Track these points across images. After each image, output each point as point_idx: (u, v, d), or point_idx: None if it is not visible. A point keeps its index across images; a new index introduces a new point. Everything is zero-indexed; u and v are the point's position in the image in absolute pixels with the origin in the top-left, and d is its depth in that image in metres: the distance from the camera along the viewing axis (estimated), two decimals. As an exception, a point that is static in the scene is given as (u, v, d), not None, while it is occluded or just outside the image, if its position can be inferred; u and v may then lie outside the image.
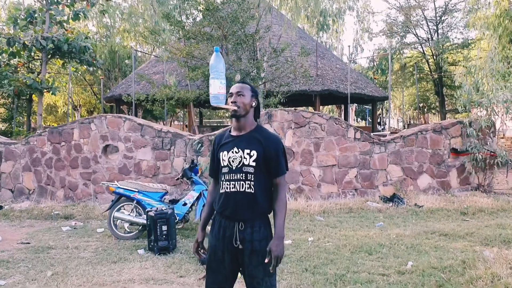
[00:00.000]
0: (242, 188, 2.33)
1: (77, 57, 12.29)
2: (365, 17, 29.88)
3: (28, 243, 5.76)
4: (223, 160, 2.41)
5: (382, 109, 29.96)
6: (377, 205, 7.65)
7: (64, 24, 12.48)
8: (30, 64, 15.37)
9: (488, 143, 8.40)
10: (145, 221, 5.62)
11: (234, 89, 2.43)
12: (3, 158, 8.66)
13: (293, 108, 8.49)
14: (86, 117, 9.64)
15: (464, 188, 8.48)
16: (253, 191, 2.33)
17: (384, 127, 25.97)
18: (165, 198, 6.29)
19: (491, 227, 6.10)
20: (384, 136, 10.03)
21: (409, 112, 33.90)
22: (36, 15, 12.08)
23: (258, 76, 11.78)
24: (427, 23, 24.34)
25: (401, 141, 8.36)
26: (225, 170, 2.40)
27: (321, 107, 21.65)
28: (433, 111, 29.55)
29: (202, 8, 11.55)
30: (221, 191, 2.42)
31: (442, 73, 23.35)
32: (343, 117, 22.23)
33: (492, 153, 8.31)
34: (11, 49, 11.48)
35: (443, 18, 24.04)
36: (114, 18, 22.44)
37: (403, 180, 8.31)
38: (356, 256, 4.87)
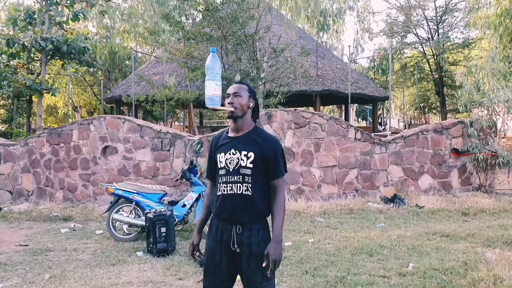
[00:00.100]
0: (239, 191, 2.29)
1: (77, 58, 12.27)
2: (366, 17, 29.86)
3: (27, 245, 5.72)
4: (220, 162, 2.37)
5: (382, 109, 29.90)
6: (378, 206, 7.60)
7: (64, 25, 12.46)
8: (30, 65, 15.35)
9: (490, 143, 8.35)
10: (144, 223, 5.59)
11: (231, 89, 2.39)
12: (2, 160, 8.63)
13: (293, 109, 8.45)
14: (85, 118, 9.60)
15: (465, 188, 8.43)
16: (250, 193, 2.29)
17: (385, 127, 25.92)
18: (164, 200, 6.24)
19: (493, 228, 6.05)
20: (385, 136, 9.99)
21: (410, 112, 33.83)
22: (35, 16, 12.06)
23: (258, 77, 11.74)
24: (428, 23, 24.30)
25: (402, 141, 8.31)
26: (222, 172, 2.36)
27: (321, 107, 21.60)
28: (434, 111, 29.50)
29: (202, 8, 11.51)
30: (218, 193, 2.38)
31: (443, 73, 23.31)
32: (343, 117, 22.19)
33: (494, 153, 8.26)
34: (10, 50, 11.46)
35: (443, 17, 24.01)
36: (114, 19, 22.42)
37: (404, 180, 8.27)
38: (356, 258, 4.83)
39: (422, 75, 25.40)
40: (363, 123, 38.59)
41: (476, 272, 4.09)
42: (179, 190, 8.12)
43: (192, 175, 6.15)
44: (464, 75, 10.31)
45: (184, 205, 6.00)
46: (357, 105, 28.38)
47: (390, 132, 15.38)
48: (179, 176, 6.32)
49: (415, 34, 25.21)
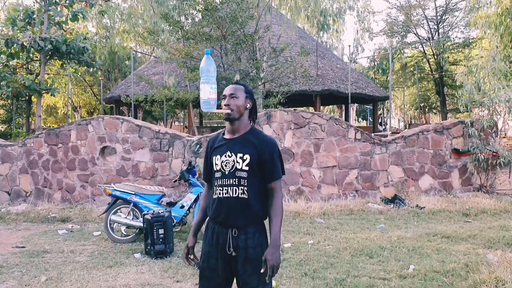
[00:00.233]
0: (235, 194, 2.24)
1: (76, 58, 12.23)
2: (366, 17, 29.80)
3: (23, 247, 5.67)
4: (216, 164, 2.32)
5: (383, 109, 29.86)
6: (378, 206, 7.55)
7: (63, 25, 12.41)
8: (29, 65, 15.31)
9: (490, 143, 8.30)
10: (142, 224, 5.53)
11: (227, 91, 2.33)
12: (0, 160, 8.58)
13: (292, 109, 8.40)
14: (84, 118, 9.56)
15: (466, 189, 8.38)
16: (246, 197, 2.24)
17: (385, 127, 25.86)
18: (162, 201, 6.19)
19: (494, 229, 5.99)
20: (385, 136, 9.94)
21: (410, 112, 33.78)
22: (34, 16, 12.01)
23: (258, 76, 11.69)
24: (428, 23, 24.25)
25: (402, 141, 8.26)
26: (218, 174, 2.30)
27: (321, 107, 21.56)
28: (434, 110, 29.45)
29: (201, 8, 11.47)
30: (214, 196, 2.33)
31: (443, 73, 23.26)
32: (344, 117, 22.15)
33: (494, 153, 8.21)
34: (9, 50, 11.41)
35: (444, 17, 23.95)
36: (113, 19, 22.36)
37: (405, 181, 8.21)
38: (356, 259, 4.78)
39: (422, 74, 25.35)
40: (364, 123, 38.55)
41: (477, 275, 4.04)
42: (177, 191, 8.08)
43: (190, 176, 6.10)
44: (465, 75, 10.24)
45: (182, 206, 5.95)
46: (357, 105, 28.32)
47: (390, 132, 15.33)
48: (178, 177, 6.28)
49: (415, 34, 25.16)
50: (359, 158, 8.11)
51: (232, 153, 2.27)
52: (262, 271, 2.16)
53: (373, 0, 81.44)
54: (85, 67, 16.40)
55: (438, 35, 23.88)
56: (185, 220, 6.05)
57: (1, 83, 12.40)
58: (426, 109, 29.95)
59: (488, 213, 7.07)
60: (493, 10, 13.06)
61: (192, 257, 2.44)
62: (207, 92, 2.29)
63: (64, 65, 14.20)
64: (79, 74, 22.00)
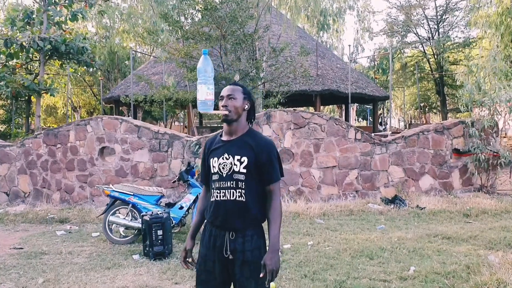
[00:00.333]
0: (233, 197, 2.20)
1: (75, 58, 12.18)
2: (366, 17, 29.76)
3: (21, 248, 5.63)
4: (213, 166, 2.28)
5: (383, 109, 29.82)
6: (378, 207, 7.51)
7: (62, 25, 12.37)
8: (28, 65, 15.27)
9: (491, 143, 8.26)
10: (140, 225, 5.49)
11: (225, 91, 2.29)
12: (-1, 161, 8.55)
13: (292, 109, 8.36)
14: (83, 118, 9.52)
15: (467, 189, 8.35)
16: (244, 200, 2.20)
17: (385, 127, 25.82)
18: (161, 202, 6.16)
19: (495, 229, 5.95)
20: (386, 136, 9.90)
21: (410, 111, 33.75)
22: (33, 16, 11.97)
23: (258, 76, 11.65)
24: (428, 22, 24.22)
25: (403, 141, 8.22)
26: (215, 177, 2.26)
27: (321, 107, 21.52)
28: (434, 110, 29.42)
29: (201, 7, 11.42)
30: (211, 199, 2.29)
31: (443, 72, 23.22)
32: (344, 117, 22.10)
33: (495, 153, 8.17)
34: (8, 50, 11.37)
35: (444, 17, 23.91)
36: (113, 19, 22.32)
37: (405, 181, 8.17)
38: (356, 261, 4.74)
39: (422, 74, 25.32)
40: (364, 123, 38.52)
41: (479, 276, 4.00)
42: (177, 191, 8.04)
43: (189, 176, 6.06)
44: (465, 75, 10.20)
45: (181, 207, 5.91)
46: (357, 104, 28.27)
47: (390, 132, 15.30)
48: (177, 177, 6.25)
49: (415, 34, 25.13)
50: (359, 158, 8.07)
51: (230, 156, 2.23)
52: (261, 275, 2.12)
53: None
54: (85, 67, 16.36)
55: (438, 34, 23.84)
56: (184, 221, 6.01)
57: (0, 83, 12.36)
58: (426, 109, 29.92)
59: (489, 214, 7.02)
60: (493, 9, 13.02)
61: (190, 260, 2.41)
62: (204, 92, 2.24)
63: (64, 65, 14.17)
64: (79, 74, 21.96)
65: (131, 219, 5.83)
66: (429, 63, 24.90)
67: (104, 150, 8.50)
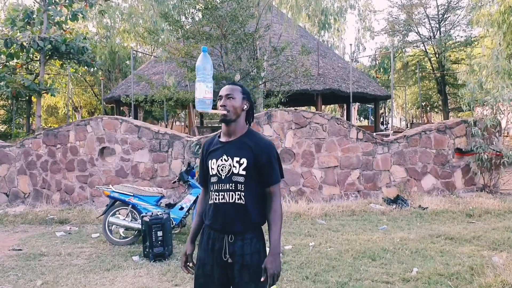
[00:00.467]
0: (232, 199, 2.14)
1: (76, 58, 12.16)
2: (367, 16, 29.61)
3: (20, 249, 5.59)
4: (212, 168, 2.22)
5: (384, 108, 29.74)
6: (381, 207, 7.45)
7: (63, 24, 12.34)
8: (29, 65, 15.24)
9: (494, 142, 8.19)
10: (140, 226, 5.44)
11: (223, 91, 2.23)
12: (-1, 161, 8.51)
13: (293, 108, 8.30)
14: (83, 118, 9.48)
15: (469, 189, 8.28)
16: (243, 202, 2.14)
17: (387, 126, 25.76)
18: (161, 202, 6.11)
19: (498, 230, 5.89)
20: (387, 136, 9.84)
21: (412, 111, 33.67)
22: (34, 15, 11.94)
23: (258, 76, 11.60)
24: (429, 21, 24.12)
25: (405, 141, 8.15)
26: (214, 179, 2.21)
27: (323, 106, 21.47)
28: (436, 109, 29.32)
29: (201, 7, 11.36)
30: (210, 202, 2.24)
31: (445, 72, 23.12)
32: (345, 116, 22.06)
33: (498, 153, 8.10)
34: (8, 50, 11.34)
35: (445, 16, 23.80)
36: (114, 19, 22.30)
37: (407, 181, 8.11)
38: (359, 262, 4.68)
39: (424, 73, 25.23)
40: (365, 122, 38.45)
41: (483, 278, 3.94)
42: (177, 192, 7.99)
43: (189, 177, 6.02)
44: (467, 74, 10.13)
45: (181, 208, 5.87)
46: (359, 104, 28.20)
47: (392, 131, 15.23)
48: (177, 178, 6.20)
49: (416, 33, 25.02)
50: (361, 158, 8.02)
51: (228, 157, 2.17)
52: (262, 279, 2.07)
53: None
54: (85, 67, 16.34)
55: (440, 33, 23.74)
56: (184, 221, 5.97)
57: (1, 84, 12.34)
58: (428, 108, 29.81)
59: (492, 214, 6.96)
60: (495, 8, 12.91)
61: (191, 265, 2.36)
62: (203, 91, 2.19)
63: (64, 65, 14.14)
64: (80, 74, 21.94)
65: (131, 220, 5.79)
66: (431, 62, 24.81)
67: (104, 150, 8.46)
